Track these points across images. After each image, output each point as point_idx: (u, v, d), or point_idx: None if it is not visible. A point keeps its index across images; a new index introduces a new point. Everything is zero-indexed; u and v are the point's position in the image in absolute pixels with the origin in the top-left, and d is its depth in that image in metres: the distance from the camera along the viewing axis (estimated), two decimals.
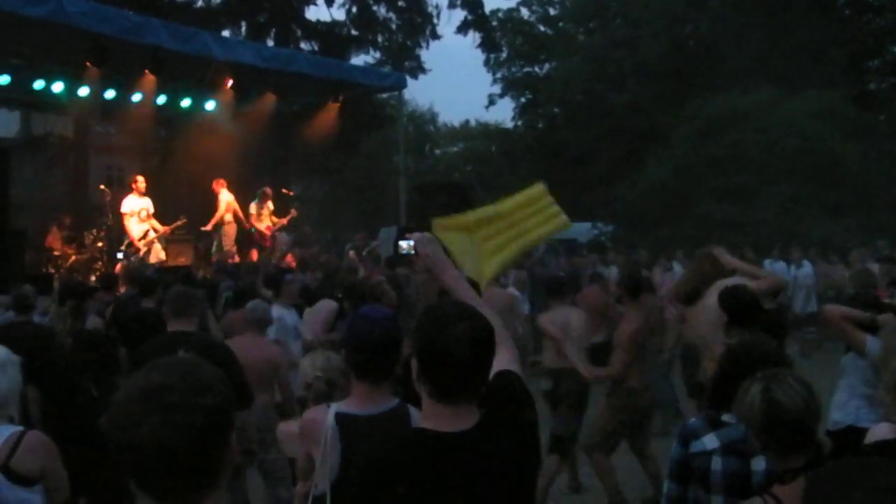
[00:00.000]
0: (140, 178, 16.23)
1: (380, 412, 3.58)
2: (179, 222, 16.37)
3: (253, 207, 17.93)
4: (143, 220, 15.83)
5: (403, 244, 3.29)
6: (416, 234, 3.30)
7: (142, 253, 15.61)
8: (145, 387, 1.81)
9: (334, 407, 3.63)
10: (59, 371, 6.36)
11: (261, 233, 17.92)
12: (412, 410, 3.67)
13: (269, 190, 18.24)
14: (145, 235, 15.76)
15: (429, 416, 2.61)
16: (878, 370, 5.55)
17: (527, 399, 2.82)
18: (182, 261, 16.16)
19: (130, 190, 16.09)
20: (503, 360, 2.81)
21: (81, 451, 5.55)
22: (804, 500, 2.12)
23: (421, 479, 2.48)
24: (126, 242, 15.67)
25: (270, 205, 18.26)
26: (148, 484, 1.82)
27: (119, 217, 16.03)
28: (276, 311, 8.93)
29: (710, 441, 3.80)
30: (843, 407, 6.06)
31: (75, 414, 6.18)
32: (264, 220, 18.00)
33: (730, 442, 3.70)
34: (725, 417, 3.81)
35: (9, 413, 3.95)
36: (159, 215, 16.63)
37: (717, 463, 3.75)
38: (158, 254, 15.96)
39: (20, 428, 3.92)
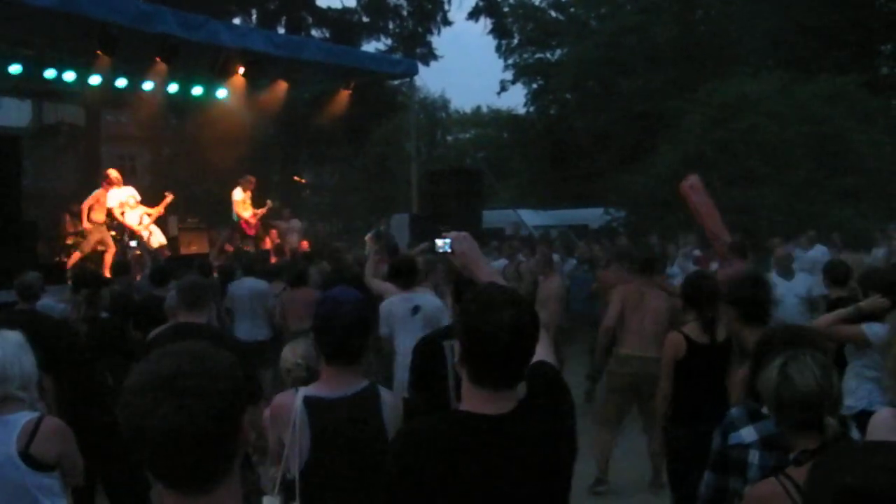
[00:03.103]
0: (112, 172, 16.01)
1: (349, 395, 3.60)
2: (167, 199, 16.26)
3: (238, 195, 17.82)
4: (133, 208, 15.71)
5: (440, 242, 3.31)
6: (453, 233, 3.31)
7: (147, 238, 15.54)
8: (157, 374, 1.80)
9: (303, 391, 3.64)
10: (73, 359, 6.40)
11: (246, 221, 17.84)
12: (383, 392, 3.73)
13: (251, 178, 18.12)
14: (141, 221, 15.68)
15: (468, 399, 2.63)
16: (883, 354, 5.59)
17: (563, 387, 2.86)
18: (195, 249, 16.21)
19: (107, 185, 15.76)
20: (540, 351, 2.82)
21: (97, 439, 5.60)
22: (806, 479, 2.13)
23: (459, 459, 2.50)
24: (127, 233, 15.58)
25: (251, 193, 18.12)
26: (163, 471, 1.82)
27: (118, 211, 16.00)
28: None
29: (748, 434, 3.79)
30: (854, 392, 6.09)
31: (90, 402, 6.22)
32: (248, 208, 17.92)
33: (768, 435, 3.68)
34: (765, 409, 3.82)
35: (31, 396, 4.04)
36: (171, 203, 16.66)
37: (754, 456, 3.74)
38: (158, 238, 15.87)
39: (37, 413, 3.99)
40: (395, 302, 7.90)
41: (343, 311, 3.61)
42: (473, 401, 2.61)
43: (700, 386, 5.95)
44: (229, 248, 17.50)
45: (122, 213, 15.57)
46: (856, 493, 1.83)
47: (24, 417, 3.91)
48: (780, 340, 3.68)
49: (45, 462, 3.86)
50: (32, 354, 4.11)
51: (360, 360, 3.73)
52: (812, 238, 17.17)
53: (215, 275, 12.22)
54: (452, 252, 3.25)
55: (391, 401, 3.73)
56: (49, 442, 3.89)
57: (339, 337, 3.60)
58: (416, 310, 7.72)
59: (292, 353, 4.75)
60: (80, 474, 4.13)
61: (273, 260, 14.85)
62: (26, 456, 3.81)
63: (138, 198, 15.96)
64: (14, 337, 4.10)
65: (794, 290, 9.88)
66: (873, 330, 5.85)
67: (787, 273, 10.34)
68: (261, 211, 18.06)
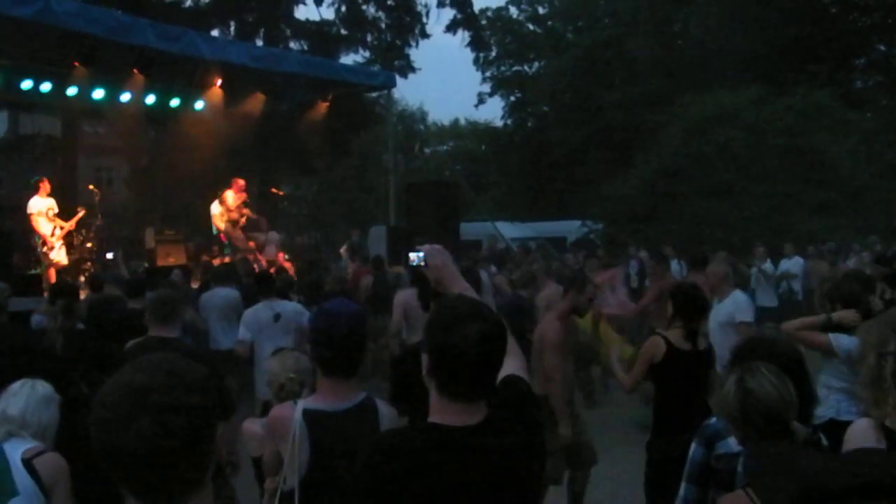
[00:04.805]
0: (45, 180, 15.74)
1: (347, 407, 3.59)
2: (79, 214, 15.87)
3: (216, 208, 17.71)
4: (50, 220, 15.36)
5: (413, 255, 3.29)
6: (427, 246, 3.29)
7: (57, 248, 15.14)
8: (131, 387, 1.79)
9: (301, 403, 3.63)
10: (48, 370, 6.37)
11: (225, 234, 17.72)
12: (380, 404, 3.71)
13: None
14: (53, 233, 15.34)
15: (437, 411, 2.60)
16: (851, 365, 5.67)
17: (534, 401, 2.84)
18: (172, 261, 16.12)
19: (36, 190, 15.20)
20: (512, 366, 2.81)
21: (72, 449, 5.58)
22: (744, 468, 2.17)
23: (427, 472, 2.48)
24: (40, 242, 15.19)
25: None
26: (136, 485, 1.81)
27: (101, 218, 15.91)
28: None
29: (736, 443, 3.71)
30: (823, 402, 6.14)
31: (66, 412, 6.19)
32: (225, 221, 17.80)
33: None
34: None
35: (47, 445, 4.17)
36: (147, 215, 16.55)
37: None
38: (61, 255, 15.33)
39: (41, 444, 4.13)
40: (259, 309, 8.68)
41: (340, 324, 3.59)
42: (441, 412, 2.59)
43: (682, 394, 5.97)
44: (205, 258, 17.42)
45: (38, 221, 15.17)
46: (818, 490, 1.88)
47: (34, 443, 4.08)
48: (756, 355, 3.70)
49: (42, 479, 3.94)
50: (57, 407, 4.28)
51: (357, 373, 3.71)
52: (764, 252, 17.26)
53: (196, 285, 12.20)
54: (426, 265, 3.25)
55: (389, 413, 3.72)
56: (50, 468, 4.00)
57: (337, 350, 3.59)
58: (277, 317, 8.50)
59: (282, 367, 4.72)
60: None
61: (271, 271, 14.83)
62: (28, 464, 3.93)
63: (56, 210, 15.54)
64: (42, 389, 4.26)
65: (717, 316, 8.79)
66: (840, 341, 5.94)
67: (720, 294, 9.07)
68: (240, 221, 17.96)
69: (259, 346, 8.41)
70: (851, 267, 15.94)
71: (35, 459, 3.96)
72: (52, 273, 14.47)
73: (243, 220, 17.93)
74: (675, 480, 4.44)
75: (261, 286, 9.45)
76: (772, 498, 2.10)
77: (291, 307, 8.97)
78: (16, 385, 4.23)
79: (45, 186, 15.25)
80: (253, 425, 4.80)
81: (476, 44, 35.87)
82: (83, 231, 16.09)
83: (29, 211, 15.03)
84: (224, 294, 11.06)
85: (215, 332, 10.71)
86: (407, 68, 31.31)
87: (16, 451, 3.95)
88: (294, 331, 8.53)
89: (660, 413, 6.17)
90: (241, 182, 17.68)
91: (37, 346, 6.57)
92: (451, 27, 33.40)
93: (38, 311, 9.05)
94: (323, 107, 19.98)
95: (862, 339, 5.27)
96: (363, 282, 13.95)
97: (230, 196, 17.32)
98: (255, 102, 18.90)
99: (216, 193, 17.72)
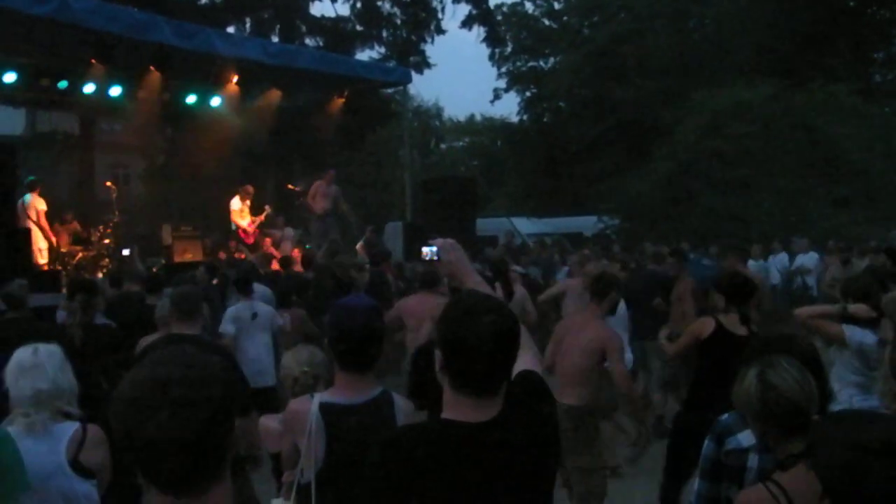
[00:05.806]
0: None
1: (364, 401, 3.61)
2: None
3: (236, 204, 17.86)
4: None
5: (426, 250, 3.29)
6: (440, 240, 3.28)
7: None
8: (150, 382, 1.82)
9: (318, 397, 3.65)
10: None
11: (244, 230, 17.87)
12: (396, 398, 3.73)
13: (250, 188, 18.13)
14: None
15: (451, 407, 2.59)
16: (870, 359, 5.67)
17: (548, 397, 2.83)
18: (189, 257, 16.18)
19: (33, 189, 15.10)
20: (526, 361, 2.81)
21: None
22: (815, 440, 2.25)
23: (440, 469, 2.48)
24: (52, 239, 15.21)
25: (249, 203, 18.13)
26: (157, 477, 1.83)
27: (119, 214, 16.07)
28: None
29: (745, 438, 3.76)
30: (835, 396, 6.13)
31: (86, 406, 6.23)
32: (246, 216, 17.95)
33: None
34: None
35: (76, 409, 4.04)
36: (164, 211, 16.61)
37: (753, 460, 3.73)
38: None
39: (78, 423, 3.98)
40: (240, 308, 9.63)
41: (357, 319, 3.62)
42: (455, 408, 2.58)
43: (720, 374, 5.97)
44: (222, 255, 17.48)
45: (42, 218, 15.22)
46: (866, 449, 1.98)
47: (71, 427, 3.93)
48: (769, 349, 3.69)
49: (90, 469, 3.88)
50: (69, 370, 4.12)
51: (374, 367, 3.72)
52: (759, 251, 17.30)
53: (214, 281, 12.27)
54: (439, 260, 3.24)
55: (405, 407, 3.74)
56: (95, 449, 3.91)
57: (354, 345, 3.61)
58: (254, 316, 9.52)
59: (296, 362, 4.73)
60: (109, 479, 4.15)
61: (276, 267, 14.88)
62: (75, 463, 3.83)
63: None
64: (57, 351, 4.11)
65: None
66: (853, 333, 5.91)
67: None
68: (258, 218, 18.06)
69: (239, 340, 9.27)
70: (867, 263, 15.91)
71: (81, 454, 3.85)
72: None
73: (262, 216, 18.04)
74: (691, 451, 4.44)
75: (239, 287, 10.22)
76: (821, 461, 2.18)
77: (266, 309, 9.85)
78: (26, 357, 3.98)
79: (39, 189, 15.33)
80: (270, 421, 4.82)
81: (491, 39, 35.79)
82: (101, 228, 16.19)
83: (40, 207, 15.10)
84: (261, 290, 11.25)
85: None
86: (422, 64, 31.26)
87: (60, 446, 3.84)
88: (271, 329, 9.64)
89: (694, 388, 6.42)
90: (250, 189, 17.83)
91: (57, 339, 6.62)
92: (467, 23, 33.37)
93: (61, 306, 9.13)
94: (338, 103, 20.02)
95: (882, 335, 5.29)
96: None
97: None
98: (271, 99, 18.94)
99: (233, 189, 17.80)
